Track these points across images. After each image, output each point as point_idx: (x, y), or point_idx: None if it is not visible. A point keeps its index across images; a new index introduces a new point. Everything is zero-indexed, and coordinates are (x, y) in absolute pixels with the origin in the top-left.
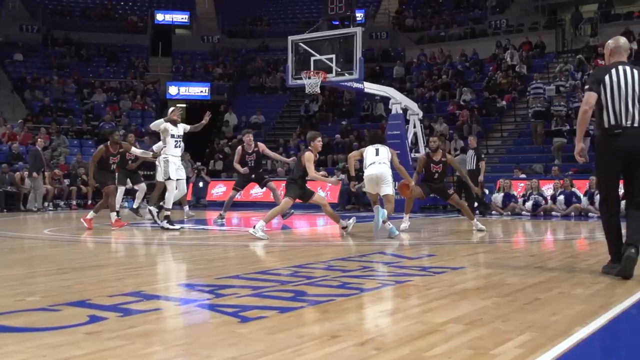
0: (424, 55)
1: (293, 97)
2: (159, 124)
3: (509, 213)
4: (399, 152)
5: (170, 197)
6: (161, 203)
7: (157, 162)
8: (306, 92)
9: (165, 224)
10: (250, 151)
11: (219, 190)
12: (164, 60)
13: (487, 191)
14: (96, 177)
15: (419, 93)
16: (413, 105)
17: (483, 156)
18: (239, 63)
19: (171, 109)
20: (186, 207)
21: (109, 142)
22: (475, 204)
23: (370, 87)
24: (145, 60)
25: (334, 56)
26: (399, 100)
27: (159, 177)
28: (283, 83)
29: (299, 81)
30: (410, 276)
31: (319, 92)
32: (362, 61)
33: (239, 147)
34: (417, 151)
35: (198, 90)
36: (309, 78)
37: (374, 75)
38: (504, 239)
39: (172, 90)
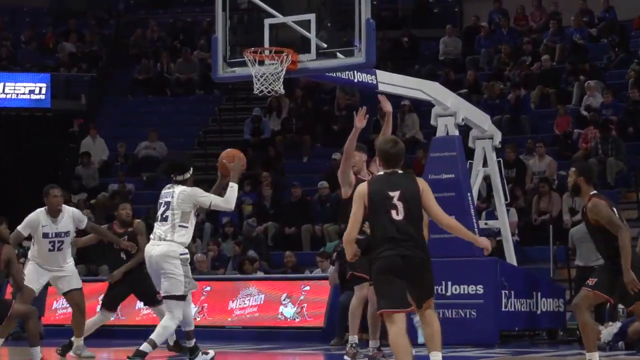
0: (501, 14)
1: (227, 103)
2: None
3: None
4: (453, 215)
5: None
6: None
7: None
8: (254, 91)
9: None
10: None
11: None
12: None
13: None
14: None
15: (493, 92)
16: (481, 120)
17: None
18: (112, 31)
19: None
20: None
21: None
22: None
23: (390, 82)
24: None
25: (312, 17)
26: (450, 108)
27: None
28: (205, 74)
29: (238, 70)
30: None
31: (282, 91)
32: (371, 27)
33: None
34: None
35: (23, 90)
36: (260, 63)
37: (397, 57)
38: None
39: None
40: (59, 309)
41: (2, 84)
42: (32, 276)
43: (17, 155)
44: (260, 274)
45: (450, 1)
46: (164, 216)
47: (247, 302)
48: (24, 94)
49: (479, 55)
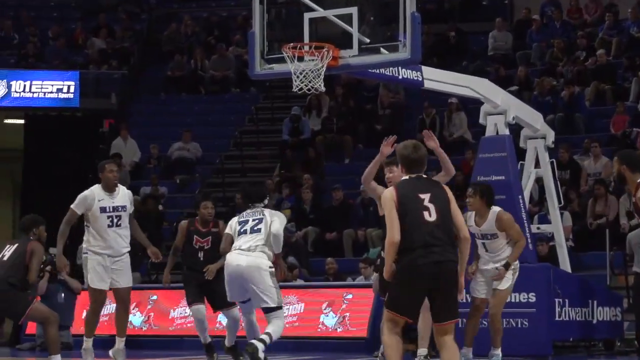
0: (554, 6)
1: (264, 102)
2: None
3: None
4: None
5: None
6: None
7: None
8: (293, 89)
9: None
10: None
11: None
12: None
13: None
14: None
15: (544, 88)
16: (533, 118)
17: None
18: (144, 26)
19: None
20: None
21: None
22: None
23: (436, 79)
24: None
25: (354, 10)
26: (500, 106)
27: None
28: (241, 71)
29: (276, 66)
30: None
31: (323, 89)
32: (417, 20)
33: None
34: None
35: (51, 89)
36: (300, 59)
37: (444, 52)
38: None
39: None
40: None
41: (29, 82)
42: (97, 276)
43: (44, 157)
44: (299, 282)
45: None
46: (256, 228)
47: (285, 311)
48: (51, 92)
49: (531, 50)
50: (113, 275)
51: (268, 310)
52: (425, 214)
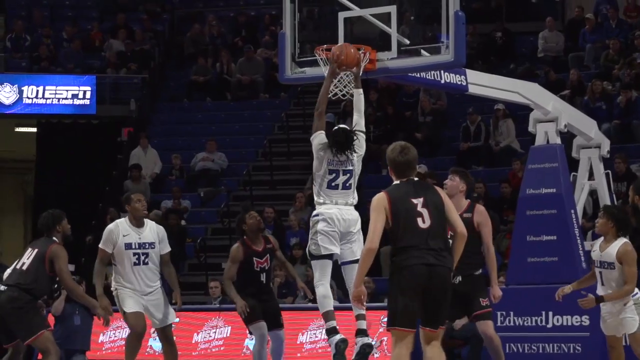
0: (609, 4)
1: (295, 108)
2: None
3: None
4: (555, 236)
5: None
6: None
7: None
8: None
9: None
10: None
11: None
12: None
13: None
14: None
15: (597, 93)
16: (587, 126)
17: None
18: (165, 27)
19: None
20: None
21: None
22: None
23: (482, 84)
24: None
25: (393, 9)
26: (551, 112)
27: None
28: (270, 75)
29: (308, 70)
30: None
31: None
32: (461, 20)
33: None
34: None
35: (66, 95)
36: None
37: (490, 54)
38: None
39: (3, 95)
40: (106, 343)
41: (42, 87)
42: (131, 300)
43: (58, 167)
44: (334, 304)
45: None
46: (347, 184)
47: (318, 334)
48: (66, 98)
49: (584, 51)
50: (155, 312)
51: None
52: (419, 220)
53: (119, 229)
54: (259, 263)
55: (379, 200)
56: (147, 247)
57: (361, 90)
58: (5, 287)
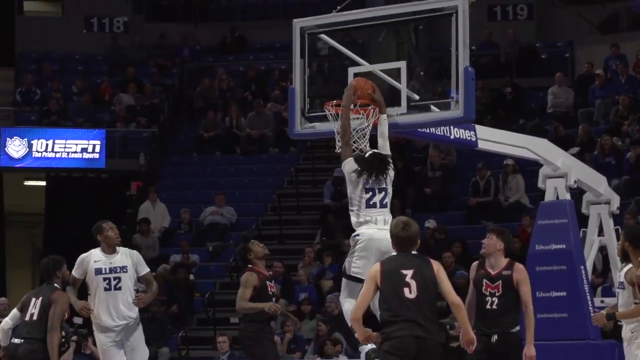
0: (619, 60)
1: (304, 163)
2: None
3: None
4: (564, 292)
5: None
6: None
7: None
8: (336, 150)
9: None
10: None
11: None
12: None
13: None
14: None
15: (606, 149)
16: (596, 182)
17: None
18: (175, 81)
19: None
20: None
21: None
22: None
23: (491, 139)
24: None
25: (402, 65)
26: (561, 168)
27: None
28: (280, 130)
29: (318, 125)
30: None
31: (368, 148)
32: (470, 75)
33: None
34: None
35: (75, 148)
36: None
37: (500, 110)
38: None
39: (13, 148)
40: None
41: (51, 141)
42: (107, 354)
43: (67, 221)
44: (343, 359)
45: (560, 46)
46: (384, 202)
47: None
48: (75, 152)
49: (593, 107)
50: (127, 343)
51: None
52: (406, 290)
53: (91, 256)
54: (271, 287)
55: (373, 271)
56: (118, 271)
57: (385, 116)
58: (22, 340)
